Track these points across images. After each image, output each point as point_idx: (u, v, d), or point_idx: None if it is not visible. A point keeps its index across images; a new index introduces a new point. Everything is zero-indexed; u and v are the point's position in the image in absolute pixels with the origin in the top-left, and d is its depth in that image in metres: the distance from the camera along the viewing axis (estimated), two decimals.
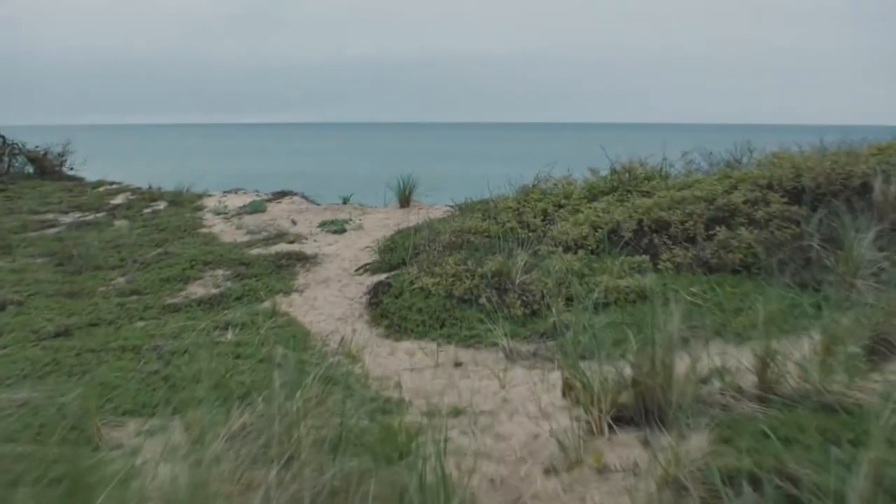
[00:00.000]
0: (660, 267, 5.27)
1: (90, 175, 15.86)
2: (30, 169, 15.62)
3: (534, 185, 7.48)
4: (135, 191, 12.41)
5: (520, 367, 4.20)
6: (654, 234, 5.61)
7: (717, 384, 3.24)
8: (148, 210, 10.72)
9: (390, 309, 5.22)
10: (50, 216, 10.72)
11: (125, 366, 4.62)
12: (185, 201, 10.94)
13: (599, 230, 5.93)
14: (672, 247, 5.43)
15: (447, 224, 7.00)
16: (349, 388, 3.96)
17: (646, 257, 5.36)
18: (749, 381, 3.31)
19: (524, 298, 4.96)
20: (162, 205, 11.03)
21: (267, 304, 5.72)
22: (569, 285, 4.98)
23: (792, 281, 4.82)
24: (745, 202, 5.46)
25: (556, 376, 3.99)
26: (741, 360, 3.74)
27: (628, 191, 6.76)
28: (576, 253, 5.67)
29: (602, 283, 4.93)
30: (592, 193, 6.98)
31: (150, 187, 12.37)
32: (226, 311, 5.68)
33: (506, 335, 4.49)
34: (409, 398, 3.82)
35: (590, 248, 5.78)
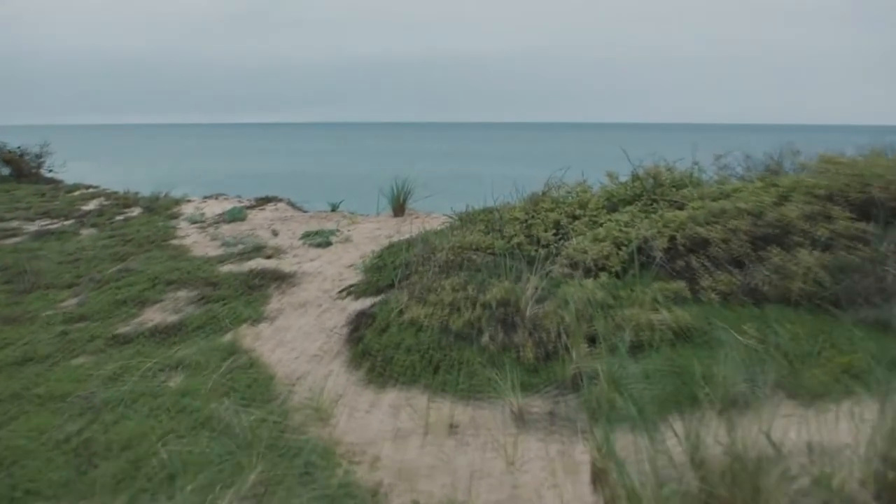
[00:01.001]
0: (700, 296, 4.35)
1: (74, 177, 15.04)
2: (6, 171, 14.78)
3: (543, 193, 6.56)
4: (110, 195, 11.54)
5: (533, 433, 3.29)
6: (691, 255, 4.69)
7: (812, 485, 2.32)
8: (120, 217, 9.83)
9: (373, 347, 4.31)
10: (14, 224, 9.86)
11: (43, 423, 3.74)
12: (160, 208, 10.06)
13: (624, 248, 5.01)
14: (713, 270, 4.51)
15: (445, 238, 6.09)
16: (311, 465, 3.06)
17: (683, 283, 4.44)
18: (851, 470, 2.40)
19: (536, 336, 4.04)
20: (136, 211, 10.16)
21: (229, 338, 4.82)
22: (591, 320, 4.07)
23: (867, 317, 3.91)
24: (801, 217, 4.53)
25: (580, 450, 3.08)
26: (828, 430, 2.85)
27: (654, 200, 5.84)
28: (596, 277, 4.76)
29: (632, 317, 4.01)
30: (612, 203, 6.05)
31: (126, 192, 11.50)
32: (180, 346, 4.79)
33: (514, 386, 3.58)
34: (389, 483, 2.91)
35: (613, 270, 4.86)
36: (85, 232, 9.07)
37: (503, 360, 3.94)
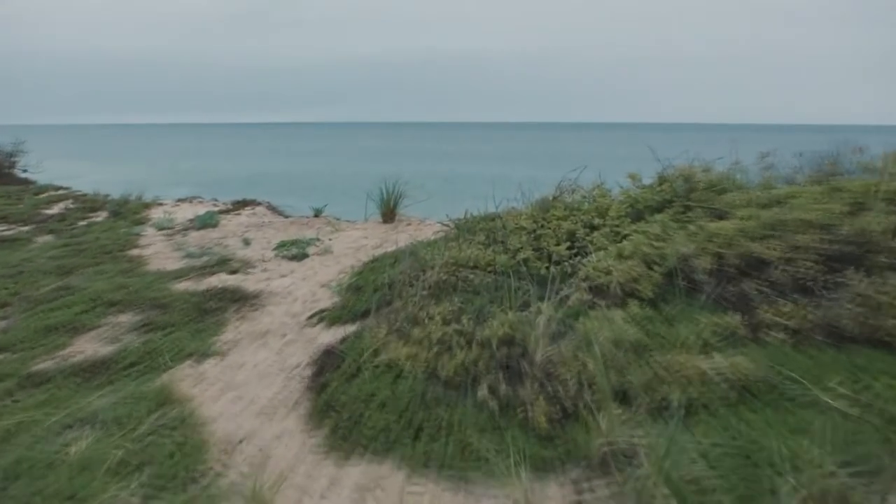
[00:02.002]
0: (762, 335, 3.37)
1: (53, 177, 14.15)
2: None
3: (554, 198, 5.61)
4: (78, 198, 10.61)
5: None
6: (744, 279, 3.73)
7: None
8: (83, 223, 8.89)
9: (339, 399, 3.35)
10: None
11: None
12: (128, 212, 9.13)
13: (656, 267, 4.05)
14: (775, 299, 3.54)
15: (437, 251, 5.14)
16: None
17: (737, 317, 3.47)
18: None
19: (550, 390, 3.08)
20: (102, 216, 9.21)
21: (164, 380, 3.87)
22: (622, 368, 3.11)
23: None
24: (886, 231, 3.56)
25: None
26: None
27: (687, 207, 4.88)
28: (625, 305, 3.79)
29: (678, 366, 3.04)
30: (636, 210, 5.10)
31: (96, 194, 10.57)
32: (103, 390, 3.84)
33: (521, 462, 2.62)
34: None
35: (644, 295, 3.90)
36: (41, 239, 8.13)
37: (506, 422, 2.99)
